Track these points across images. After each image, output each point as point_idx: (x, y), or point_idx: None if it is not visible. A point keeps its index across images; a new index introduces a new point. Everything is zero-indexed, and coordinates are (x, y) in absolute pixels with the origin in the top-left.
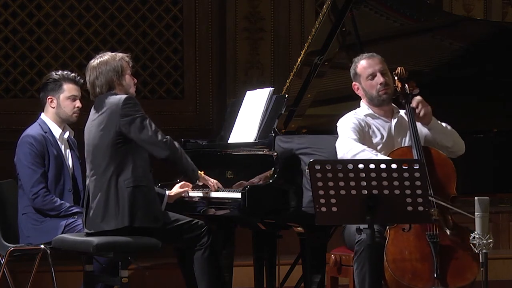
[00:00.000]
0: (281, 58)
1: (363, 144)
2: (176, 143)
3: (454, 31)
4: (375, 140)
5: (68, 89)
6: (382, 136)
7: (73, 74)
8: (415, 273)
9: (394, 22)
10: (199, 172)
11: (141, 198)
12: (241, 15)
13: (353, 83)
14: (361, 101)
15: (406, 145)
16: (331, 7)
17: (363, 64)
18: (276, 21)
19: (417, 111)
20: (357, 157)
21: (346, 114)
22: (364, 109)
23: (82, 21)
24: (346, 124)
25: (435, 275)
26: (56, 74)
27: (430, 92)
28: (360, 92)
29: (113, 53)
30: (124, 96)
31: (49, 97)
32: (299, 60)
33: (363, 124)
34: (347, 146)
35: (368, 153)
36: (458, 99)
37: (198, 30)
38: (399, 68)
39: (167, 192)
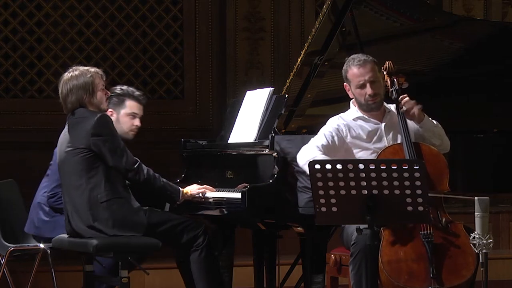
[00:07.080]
0: (281, 58)
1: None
2: (145, 170)
3: (454, 31)
4: (365, 143)
5: (130, 106)
6: (372, 139)
7: (138, 93)
8: (411, 273)
9: (394, 22)
10: (182, 191)
11: (118, 210)
12: (241, 15)
13: (344, 83)
14: (351, 101)
15: (398, 142)
16: (331, 7)
17: (353, 71)
18: (276, 21)
19: (410, 113)
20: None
21: (333, 117)
22: (353, 111)
23: (82, 21)
24: (324, 129)
25: (431, 275)
26: (121, 89)
27: (429, 92)
28: (350, 94)
29: (85, 69)
30: (96, 116)
31: (110, 110)
32: (299, 60)
33: (344, 131)
34: (306, 150)
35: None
36: (458, 99)
37: (198, 30)
38: (387, 62)
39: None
